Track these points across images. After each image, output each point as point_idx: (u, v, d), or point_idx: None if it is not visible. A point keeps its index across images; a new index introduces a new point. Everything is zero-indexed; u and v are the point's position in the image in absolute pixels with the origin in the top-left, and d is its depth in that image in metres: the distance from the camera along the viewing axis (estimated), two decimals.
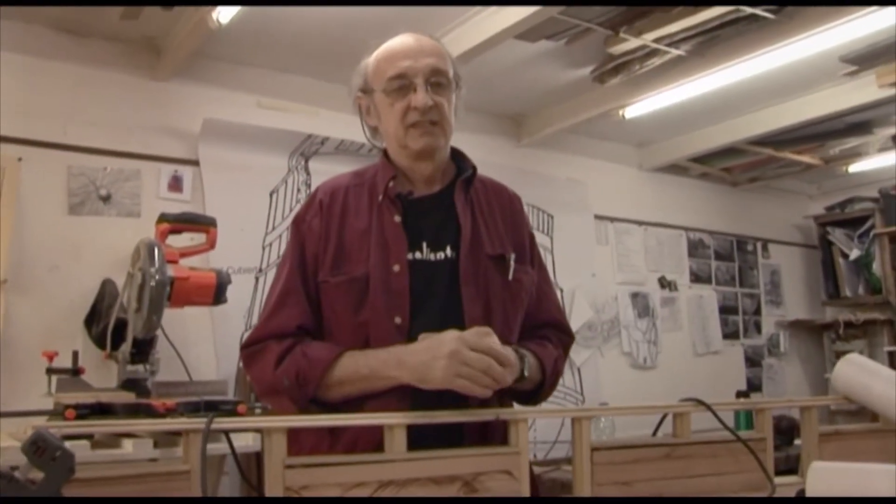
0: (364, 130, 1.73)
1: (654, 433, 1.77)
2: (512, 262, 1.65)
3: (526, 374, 1.55)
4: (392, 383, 1.49)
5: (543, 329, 1.74)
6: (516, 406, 1.68)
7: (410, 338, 1.51)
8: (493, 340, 1.43)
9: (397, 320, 1.54)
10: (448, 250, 1.60)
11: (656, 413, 1.74)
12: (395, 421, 1.38)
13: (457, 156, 1.72)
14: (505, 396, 1.62)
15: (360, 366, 1.50)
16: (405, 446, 1.37)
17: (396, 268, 1.56)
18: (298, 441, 1.55)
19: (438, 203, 1.65)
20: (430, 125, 1.58)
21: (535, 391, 1.65)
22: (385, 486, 1.34)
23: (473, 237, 1.62)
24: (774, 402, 1.87)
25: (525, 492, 1.45)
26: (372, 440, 1.42)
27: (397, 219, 1.59)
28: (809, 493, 1.27)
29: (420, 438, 1.39)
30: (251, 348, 1.60)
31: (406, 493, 1.35)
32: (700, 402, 1.68)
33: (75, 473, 1.11)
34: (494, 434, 1.53)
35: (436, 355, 1.41)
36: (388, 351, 1.49)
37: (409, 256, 1.58)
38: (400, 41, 1.64)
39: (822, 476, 1.25)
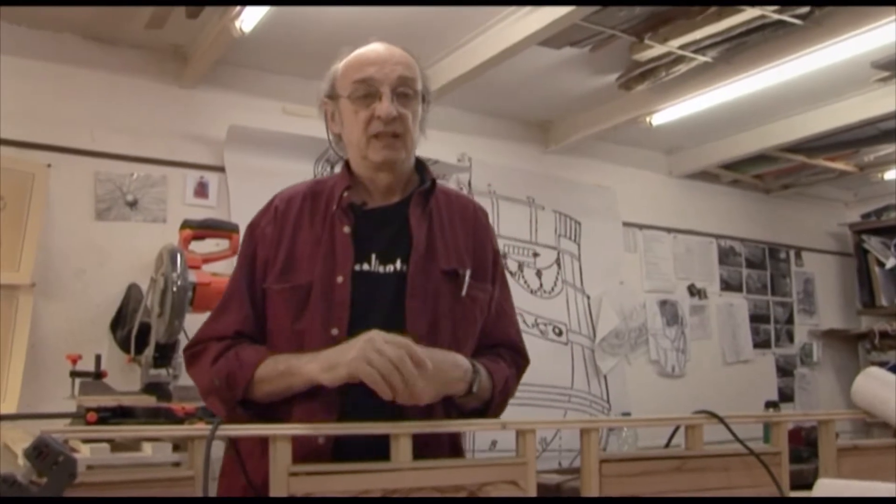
0: (328, 137, 1.71)
1: (667, 445, 1.76)
2: (467, 279, 1.61)
3: (475, 389, 1.52)
4: (305, 380, 1.45)
5: (498, 348, 1.70)
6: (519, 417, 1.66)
7: None
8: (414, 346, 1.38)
9: (334, 331, 1.52)
10: (398, 263, 1.58)
11: (668, 425, 1.73)
12: (400, 430, 1.38)
13: (420, 167, 1.70)
14: (451, 410, 1.58)
15: (279, 362, 1.49)
16: (410, 455, 1.37)
17: (340, 279, 1.54)
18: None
19: (393, 215, 1.63)
20: (393, 138, 1.57)
21: (482, 409, 1.61)
22: (390, 494, 1.34)
23: (427, 251, 1.60)
24: (790, 415, 1.85)
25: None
26: (300, 452, 1.35)
27: (346, 230, 1.58)
28: None
29: (345, 448, 1.41)
30: (192, 349, 1.61)
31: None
32: (712, 415, 1.66)
33: (77, 478, 1.12)
34: (432, 447, 1.49)
35: (351, 344, 1.39)
36: (309, 356, 1.47)
37: (357, 268, 1.56)
38: (370, 48, 1.63)
39: (828, 493, 1.23)
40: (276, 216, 1.63)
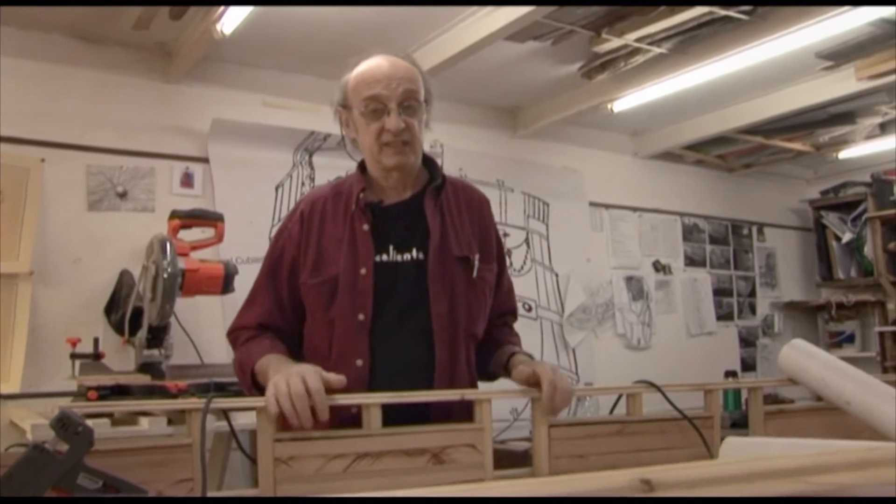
0: (343, 139, 1.92)
1: (611, 412, 1.97)
2: (476, 263, 1.83)
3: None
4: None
5: (506, 317, 1.98)
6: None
7: (372, 332, 1.74)
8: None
9: (360, 317, 1.74)
10: (415, 252, 1.79)
11: (611, 394, 1.94)
12: (372, 401, 1.57)
13: (429, 163, 1.90)
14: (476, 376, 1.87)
15: (269, 364, 1.67)
16: (381, 422, 1.56)
17: (363, 270, 1.75)
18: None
19: (408, 209, 1.84)
20: (402, 145, 1.76)
21: None
22: (361, 457, 1.53)
23: (442, 240, 1.81)
24: (722, 384, 2.05)
25: (488, 463, 1.64)
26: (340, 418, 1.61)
27: (366, 227, 1.79)
28: None
29: (394, 415, 1.59)
30: (230, 336, 1.87)
31: (380, 464, 1.53)
32: (650, 384, 1.86)
33: (94, 445, 1.31)
34: (459, 414, 1.72)
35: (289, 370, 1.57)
36: (278, 364, 1.65)
37: (377, 259, 1.77)
38: (375, 64, 1.79)
39: (733, 449, 1.43)
40: (303, 219, 1.83)
